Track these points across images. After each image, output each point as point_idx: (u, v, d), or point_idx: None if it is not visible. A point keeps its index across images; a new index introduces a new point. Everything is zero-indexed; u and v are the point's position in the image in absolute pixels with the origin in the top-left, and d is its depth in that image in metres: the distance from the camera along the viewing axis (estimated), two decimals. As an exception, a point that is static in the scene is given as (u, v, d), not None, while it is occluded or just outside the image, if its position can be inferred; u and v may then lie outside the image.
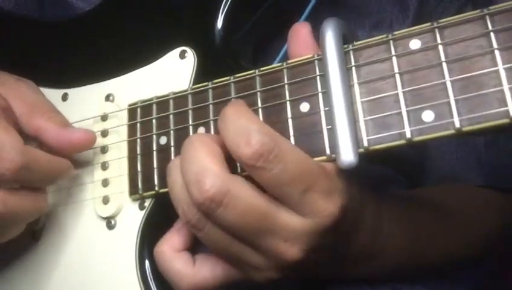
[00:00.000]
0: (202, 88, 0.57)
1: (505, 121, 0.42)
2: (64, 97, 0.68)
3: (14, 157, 0.52)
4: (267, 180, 0.47)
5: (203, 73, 0.60)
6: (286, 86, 0.52)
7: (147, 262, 0.58)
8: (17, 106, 0.58)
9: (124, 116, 0.62)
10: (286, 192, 0.47)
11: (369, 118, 0.47)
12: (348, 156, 0.46)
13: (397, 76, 0.47)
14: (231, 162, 0.49)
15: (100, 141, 0.63)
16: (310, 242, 0.48)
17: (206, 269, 0.53)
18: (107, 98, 0.65)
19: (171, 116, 0.58)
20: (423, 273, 0.67)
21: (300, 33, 0.53)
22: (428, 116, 0.45)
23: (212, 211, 0.47)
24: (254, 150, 0.45)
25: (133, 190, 0.60)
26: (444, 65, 0.45)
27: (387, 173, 0.76)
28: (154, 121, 0.59)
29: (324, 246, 0.50)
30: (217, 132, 0.54)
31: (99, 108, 0.64)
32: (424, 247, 0.65)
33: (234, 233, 0.49)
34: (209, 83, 0.56)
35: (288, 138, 0.50)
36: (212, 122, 0.55)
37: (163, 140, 0.58)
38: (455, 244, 0.69)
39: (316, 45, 0.52)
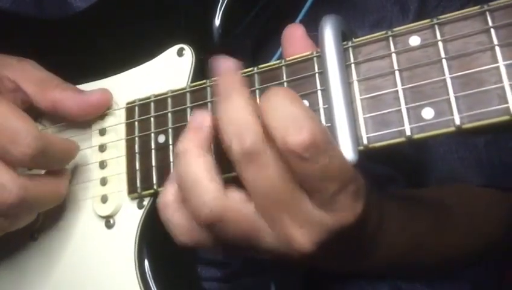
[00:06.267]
0: (200, 86, 0.56)
1: (506, 118, 0.42)
2: (62, 95, 0.67)
3: (31, 142, 0.52)
4: (308, 172, 0.44)
5: (201, 71, 0.60)
6: (285, 83, 0.51)
7: (146, 261, 0.58)
8: (27, 86, 0.59)
9: (122, 115, 0.62)
10: (322, 187, 0.45)
11: (369, 115, 0.47)
12: (347, 153, 0.46)
13: (397, 73, 0.46)
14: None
15: (98, 140, 0.63)
16: (323, 237, 0.46)
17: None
18: (105, 96, 0.64)
19: (169, 114, 0.58)
20: (423, 271, 0.66)
21: (295, 34, 0.52)
22: (428, 113, 0.45)
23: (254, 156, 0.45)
24: (305, 137, 0.43)
25: (131, 189, 0.59)
26: (444, 62, 0.45)
27: (387, 172, 0.76)
28: (152, 119, 0.59)
29: (335, 245, 0.48)
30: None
31: (97, 106, 0.64)
32: (424, 246, 0.65)
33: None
34: (208, 81, 0.56)
35: None
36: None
37: (161, 138, 0.58)
38: (455, 244, 0.69)
39: (313, 44, 0.51)
